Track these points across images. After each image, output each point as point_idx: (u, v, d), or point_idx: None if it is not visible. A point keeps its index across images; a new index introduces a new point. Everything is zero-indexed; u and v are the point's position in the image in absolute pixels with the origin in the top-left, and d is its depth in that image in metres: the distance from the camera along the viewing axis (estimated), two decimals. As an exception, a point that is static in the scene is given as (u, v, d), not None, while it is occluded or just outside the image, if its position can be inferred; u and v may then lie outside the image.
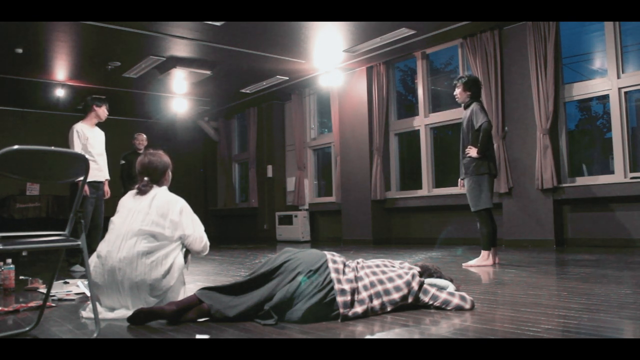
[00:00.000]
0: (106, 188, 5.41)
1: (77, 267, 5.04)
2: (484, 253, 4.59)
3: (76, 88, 8.82)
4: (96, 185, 5.16)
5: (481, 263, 4.54)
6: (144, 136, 7.25)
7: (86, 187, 5.08)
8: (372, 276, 2.51)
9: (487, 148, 4.58)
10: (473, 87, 4.75)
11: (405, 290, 2.49)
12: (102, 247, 2.65)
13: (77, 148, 5.07)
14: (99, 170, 5.19)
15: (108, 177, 5.46)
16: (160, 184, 2.85)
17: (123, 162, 6.92)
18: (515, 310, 2.45)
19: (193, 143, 12.14)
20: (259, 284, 2.45)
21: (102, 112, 5.28)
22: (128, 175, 6.74)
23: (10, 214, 8.67)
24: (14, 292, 3.56)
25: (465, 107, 4.77)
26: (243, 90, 9.56)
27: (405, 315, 2.42)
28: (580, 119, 7.07)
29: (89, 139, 5.17)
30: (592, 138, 7.06)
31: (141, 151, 6.84)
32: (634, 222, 5.73)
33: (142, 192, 2.78)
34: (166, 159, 2.93)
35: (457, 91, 4.80)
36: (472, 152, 4.59)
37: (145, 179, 2.81)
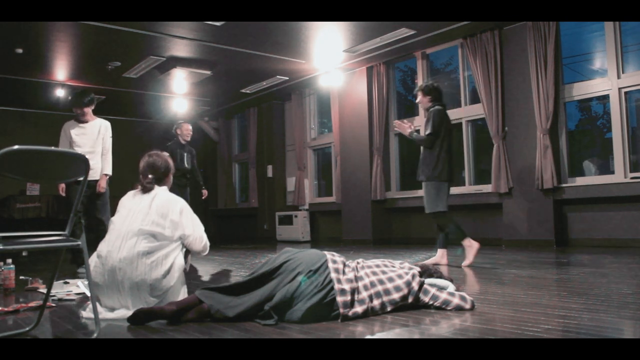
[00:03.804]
0: (101, 182, 5.02)
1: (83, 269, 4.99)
2: (440, 251, 4.76)
3: (76, 88, 8.79)
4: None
5: (438, 261, 4.73)
6: (189, 126, 6.42)
7: (63, 187, 4.94)
8: (372, 276, 2.51)
9: (424, 145, 4.69)
10: (433, 91, 4.82)
11: (405, 290, 2.49)
12: (102, 247, 2.66)
13: (61, 147, 4.95)
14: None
15: (107, 173, 5.09)
16: (161, 184, 2.89)
17: (166, 154, 6.39)
18: (515, 310, 2.45)
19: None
20: (259, 284, 2.45)
21: (74, 112, 5.03)
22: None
23: (10, 214, 8.67)
24: (14, 292, 3.56)
25: (428, 110, 4.86)
26: (243, 90, 9.56)
27: (405, 315, 2.42)
28: (580, 119, 7.07)
29: (72, 137, 4.96)
30: (592, 138, 7.06)
31: (185, 142, 6.29)
32: (634, 222, 5.73)
33: (146, 189, 2.82)
34: (169, 160, 2.98)
35: (418, 99, 4.89)
36: (406, 127, 4.79)
37: (150, 176, 2.84)
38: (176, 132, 6.35)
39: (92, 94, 5.12)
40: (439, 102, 4.80)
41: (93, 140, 5.04)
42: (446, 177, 4.65)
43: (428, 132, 4.63)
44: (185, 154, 6.25)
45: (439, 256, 4.77)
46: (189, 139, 6.34)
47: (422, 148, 4.82)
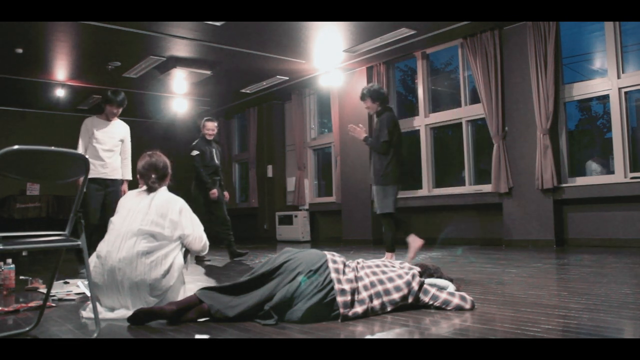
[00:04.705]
0: (124, 187, 5.14)
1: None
2: (388, 254, 4.82)
3: (76, 88, 8.82)
4: (100, 182, 4.98)
5: (415, 246, 4.80)
6: (213, 124, 6.26)
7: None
8: (372, 276, 2.51)
9: (379, 151, 4.83)
10: (381, 96, 4.94)
11: (405, 290, 2.49)
12: (102, 247, 2.66)
13: (82, 142, 4.97)
14: (104, 167, 4.98)
15: (129, 178, 5.19)
16: (162, 184, 2.90)
17: (197, 152, 6.04)
18: (515, 310, 2.45)
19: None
20: (259, 284, 2.45)
21: (108, 109, 5.07)
22: (203, 166, 6.04)
23: (10, 214, 8.66)
24: (14, 292, 3.56)
25: (378, 116, 4.96)
26: (243, 90, 9.56)
27: (405, 315, 2.42)
28: (580, 119, 7.07)
29: (95, 134, 4.99)
30: (592, 138, 7.06)
31: (211, 138, 6.18)
32: (634, 222, 5.73)
33: (152, 189, 2.84)
34: (168, 161, 2.99)
35: (367, 105, 4.99)
36: (361, 131, 4.93)
37: (153, 176, 2.85)
38: (202, 129, 6.29)
39: (123, 93, 5.18)
40: (386, 106, 4.95)
41: (114, 139, 5.12)
42: (394, 180, 4.82)
43: (383, 139, 4.76)
44: (214, 150, 6.18)
45: (412, 242, 4.81)
46: (211, 138, 6.24)
47: (373, 153, 4.95)
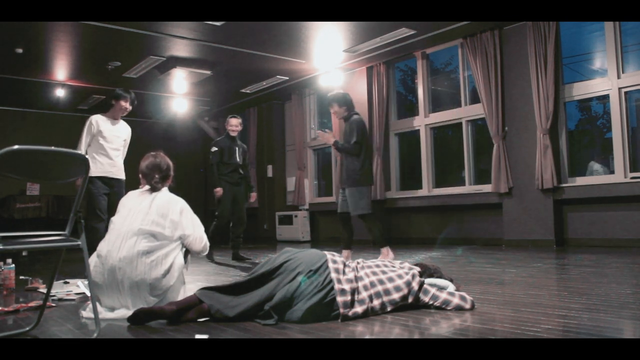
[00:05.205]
0: None
1: None
2: (383, 250, 4.80)
3: (76, 88, 8.82)
4: (107, 181, 4.93)
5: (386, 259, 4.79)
6: (236, 120, 6.26)
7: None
8: (372, 276, 2.51)
9: (352, 152, 4.83)
10: (348, 101, 4.96)
11: (405, 290, 2.49)
12: (102, 246, 2.66)
13: (85, 139, 4.94)
14: (112, 166, 4.94)
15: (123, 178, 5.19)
16: (164, 184, 2.91)
17: (216, 148, 6.10)
18: (515, 310, 2.45)
19: (193, 143, 12.14)
20: (259, 284, 2.45)
21: (119, 106, 4.98)
22: (220, 162, 6.09)
23: (10, 214, 8.66)
24: (14, 292, 3.56)
25: (346, 120, 4.97)
26: (243, 90, 9.57)
27: (405, 315, 2.42)
28: (580, 119, 7.08)
29: (103, 132, 4.92)
30: (592, 138, 7.06)
31: (235, 134, 6.22)
32: (634, 222, 5.73)
33: (155, 189, 2.84)
34: (170, 162, 3.00)
35: (334, 109, 4.99)
36: (329, 136, 4.96)
37: (157, 176, 2.86)
38: (225, 126, 6.35)
39: (132, 92, 5.20)
40: (353, 110, 4.97)
41: (120, 139, 5.09)
42: (368, 181, 4.85)
43: (354, 140, 4.78)
44: (237, 148, 6.16)
45: (345, 255, 4.92)
46: (234, 134, 6.23)
47: (344, 156, 4.94)
